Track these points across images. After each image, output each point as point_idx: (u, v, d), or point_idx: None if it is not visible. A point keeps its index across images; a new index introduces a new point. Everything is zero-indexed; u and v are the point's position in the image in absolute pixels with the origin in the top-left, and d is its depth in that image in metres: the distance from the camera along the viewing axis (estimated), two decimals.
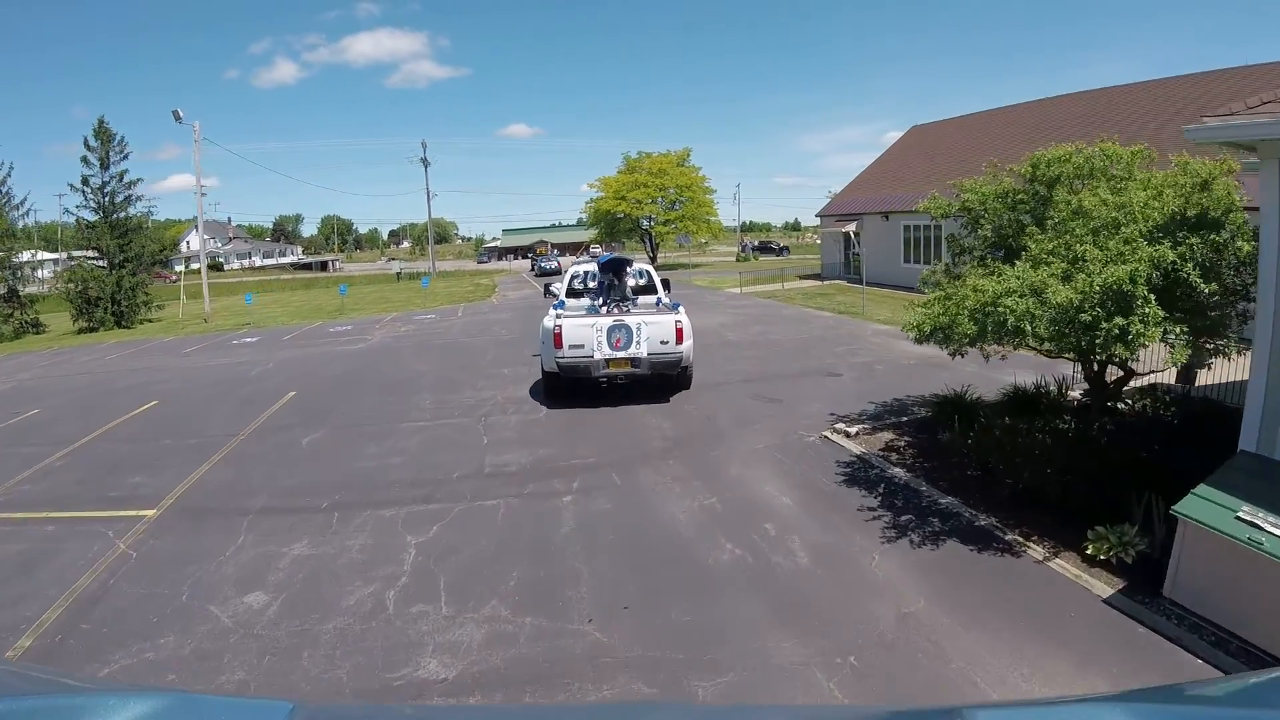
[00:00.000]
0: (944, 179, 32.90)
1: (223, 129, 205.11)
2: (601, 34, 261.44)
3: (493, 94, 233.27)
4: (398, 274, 57.65)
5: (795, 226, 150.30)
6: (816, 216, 37.21)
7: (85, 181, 35.94)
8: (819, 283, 32.81)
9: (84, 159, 35.88)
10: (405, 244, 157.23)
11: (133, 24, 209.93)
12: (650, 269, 14.54)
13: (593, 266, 13.80)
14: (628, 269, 13.07)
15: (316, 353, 19.49)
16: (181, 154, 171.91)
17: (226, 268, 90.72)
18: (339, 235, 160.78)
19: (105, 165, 36.05)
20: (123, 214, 36.67)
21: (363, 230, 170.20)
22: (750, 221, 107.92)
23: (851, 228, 33.57)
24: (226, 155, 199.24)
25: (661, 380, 11.70)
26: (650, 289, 13.88)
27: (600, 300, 12.60)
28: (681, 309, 11.78)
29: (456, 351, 17.91)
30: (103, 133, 36.19)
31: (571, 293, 13.84)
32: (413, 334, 22.15)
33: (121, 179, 36.67)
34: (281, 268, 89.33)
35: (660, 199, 49.70)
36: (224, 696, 3.62)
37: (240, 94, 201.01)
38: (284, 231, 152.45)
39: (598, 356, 10.88)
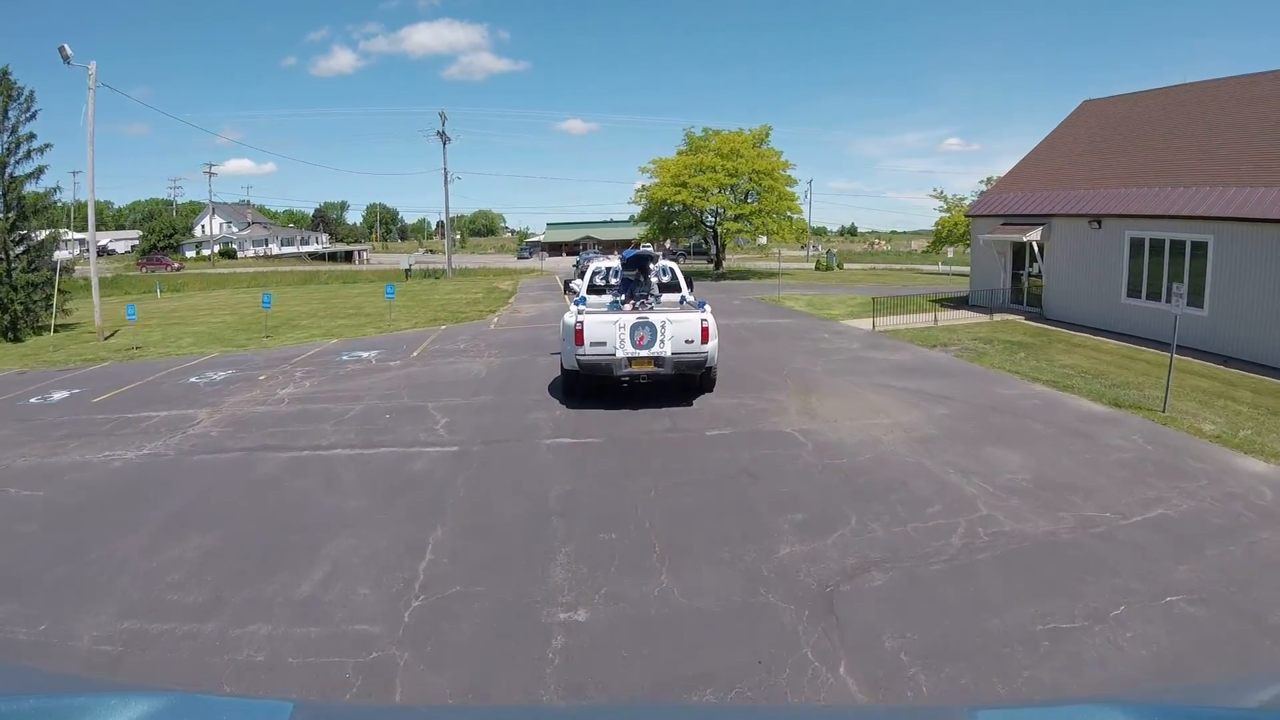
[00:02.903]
0: (1173, 167, 20.86)
1: (277, 114, 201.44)
2: (651, 31, 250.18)
3: (549, 88, 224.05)
4: (407, 270, 47.76)
5: (852, 231, 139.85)
6: (967, 216, 25.67)
7: None
8: (981, 316, 21.28)
9: None
10: (458, 236, 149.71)
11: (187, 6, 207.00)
12: (674, 266, 13.67)
13: (615, 262, 13.12)
14: (651, 265, 12.20)
15: (34, 475, 9.09)
16: (236, 140, 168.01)
17: (240, 255, 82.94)
18: (382, 224, 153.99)
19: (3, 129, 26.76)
20: (21, 190, 27.39)
21: (411, 220, 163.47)
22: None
23: (1034, 236, 21.96)
24: (281, 144, 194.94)
25: (684, 381, 10.90)
26: (674, 287, 13.03)
27: (623, 297, 11.74)
28: (707, 307, 11.15)
29: (261, 536, 7.19)
30: (4, 86, 26.87)
31: (593, 289, 13.22)
32: (275, 415, 11.55)
33: (19, 147, 27.32)
34: (299, 257, 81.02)
35: (732, 188, 38.50)
36: (225, 696, 3.27)
37: (293, 81, 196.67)
38: (325, 219, 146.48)
39: (620, 355, 10.32)
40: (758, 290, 32.40)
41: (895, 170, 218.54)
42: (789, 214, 39.07)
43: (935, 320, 19.72)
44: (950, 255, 45.27)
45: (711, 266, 45.28)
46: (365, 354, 16.90)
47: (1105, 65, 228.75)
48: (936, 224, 52.39)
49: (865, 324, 19.76)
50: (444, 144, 45.85)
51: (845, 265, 55.62)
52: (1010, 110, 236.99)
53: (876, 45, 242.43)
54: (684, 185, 37.02)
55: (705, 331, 10.41)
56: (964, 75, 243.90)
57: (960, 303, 25.80)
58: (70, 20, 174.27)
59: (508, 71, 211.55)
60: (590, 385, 10.84)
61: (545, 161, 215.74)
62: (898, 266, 65.32)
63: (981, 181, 54.07)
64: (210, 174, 70.34)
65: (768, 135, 40.27)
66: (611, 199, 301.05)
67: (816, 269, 52.83)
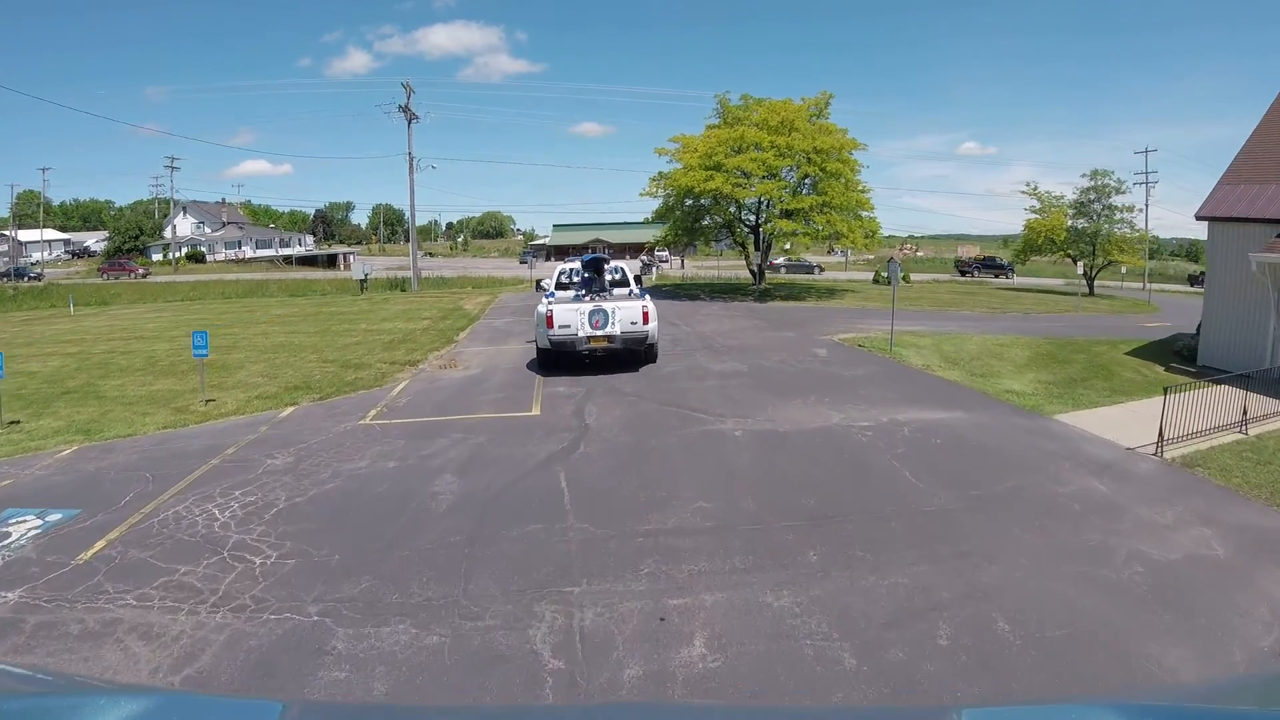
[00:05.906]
0: None
1: (291, 113, 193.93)
2: (653, 39, 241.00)
3: (567, 90, 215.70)
4: (362, 280, 38.06)
5: (869, 235, 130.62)
6: (1200, 219, 15.54)
7: None
8: (1273, 402, 10.98)
9: None
10: (462, 238, 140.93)
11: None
12: (624, 266, 17.13)
13: (576, 264, 16.63)
14: (605, 266, 15.72)
15: None
16: (249, 140, 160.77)
17: (210, 258, 74.05)
18: (387, 225, 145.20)
19: None
20: None
21: (421, 220, 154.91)
22: None
23: None
24: (297, 145, 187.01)
25: (632, 354, 14.01)
26: (624, 283, 16.08)
27: (583, 291, 14.81)
28: (648, 297, 14.43)
29: None
30: None
31: (560, 285, 16.27)
32: None
33: None
34: (273, 262, 71.93)
35: (788, 172, 28.19)
36: (215, 696, 3.23)
37: (305, 82, 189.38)
38: (327, 220, 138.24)
39: (581, 334, 13.21)
40: (829, 320, 22.25)
41: (910, 175, 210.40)
42: (860, 211, 28.81)
43: (1244, 424, 9.54)
44: (1080, 271, 34.95)
45: (750, 280, 34.80)
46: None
47: (1110, 67, 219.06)
48: (1025, 227, 41.99)
49: (1098, 420, 9.74)
50: (409, 122, 36.16)
51: (911, 277, 45.28)
52: (1026, 112, 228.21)
53: (891, 49, 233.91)
54: (718, 169, 26.77)
55: (646, 315, 13.62)
56: (981, 78, 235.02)
57: (1174, 355, 15.78)
58: (69, 22, 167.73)
59: (525, 73, 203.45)
60: (557, 358, 13.83)
61: (558, 163, 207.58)
62: (962, 279, 55.15)
63: (1083, 175, 43.41)
64: (172, 168, 61.32)
65: (827, 106, 30.02)
66: (630, 198, 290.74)
67: (876, 282, 42.61)
